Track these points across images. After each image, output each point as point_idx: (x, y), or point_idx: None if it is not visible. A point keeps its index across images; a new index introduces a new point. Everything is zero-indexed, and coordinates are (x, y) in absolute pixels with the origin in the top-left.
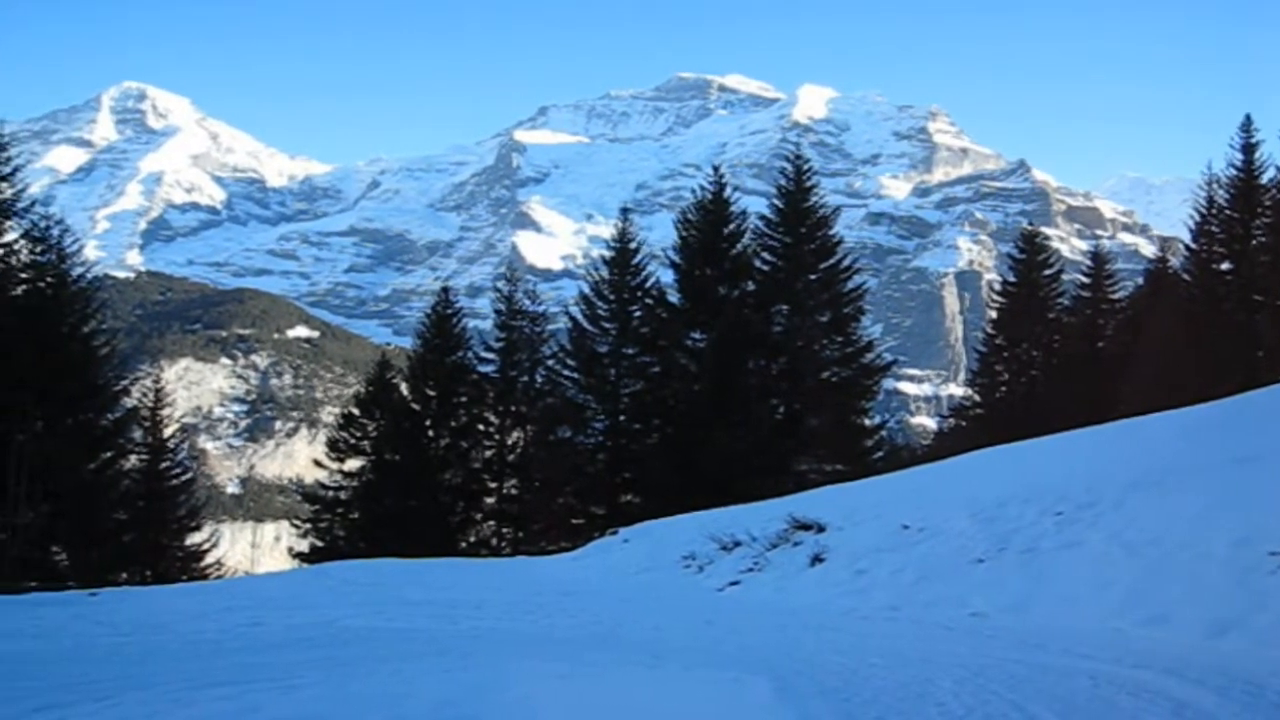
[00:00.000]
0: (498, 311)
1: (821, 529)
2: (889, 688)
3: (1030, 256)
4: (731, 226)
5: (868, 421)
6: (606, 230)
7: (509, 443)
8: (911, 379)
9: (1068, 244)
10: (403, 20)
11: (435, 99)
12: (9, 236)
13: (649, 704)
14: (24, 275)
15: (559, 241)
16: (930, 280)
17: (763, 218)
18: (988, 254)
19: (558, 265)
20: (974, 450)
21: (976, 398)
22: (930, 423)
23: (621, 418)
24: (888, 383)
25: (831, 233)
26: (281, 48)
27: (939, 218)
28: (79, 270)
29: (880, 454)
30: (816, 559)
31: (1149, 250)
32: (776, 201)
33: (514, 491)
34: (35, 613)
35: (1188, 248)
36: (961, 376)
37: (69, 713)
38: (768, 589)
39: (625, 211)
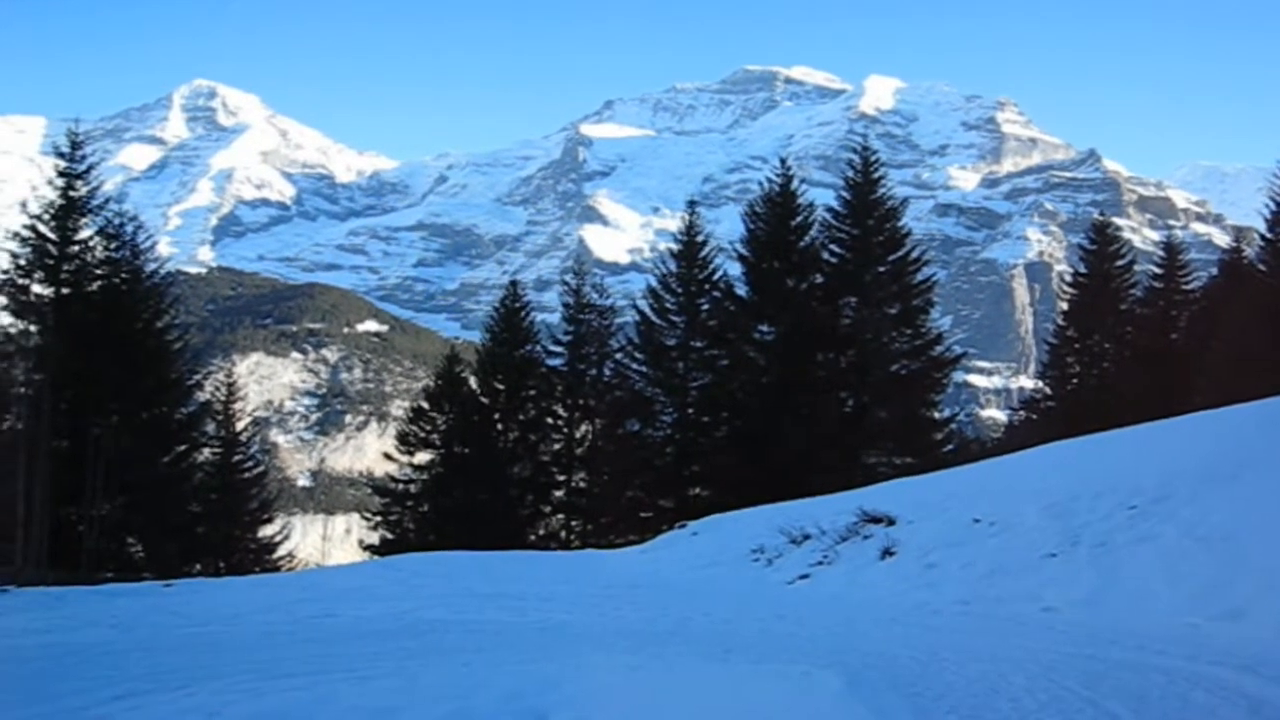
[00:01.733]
0: (565, 305)
1: (891, 522)
2: (960, 682)
3: (1101, 247)
4: (799, 219)
5: (937, 414)
6: (673, 224)
7: (577, 436)
8: (981, 372)
9: (1139, 234)
10: (470, 16)
11: (502, 94)
12: (84, 234)
13: (718, 697)
14: (99, 272)
15: (625, 235)
16: (999, 272)
17: (830, 210)
18: (1058, 245)
19: (624, 259)
20: (1045, 443)
21: (1047, 390)
22: (1000, 416)
23: (690, 411)
24: (957, 375)
25: (900, 224)
26: (349, 45)
27: (1008, 209)
28: (152, 266)
29: (950, 447)
30: (886, 552)
31: (1223, 240)
32: (844, 193)
33: (582, 484)
34: (112, 603)
35: (1263, 237)
36: (1032, 369)
37: (146, 701)
38: (837, 582)
39: (692, 204)
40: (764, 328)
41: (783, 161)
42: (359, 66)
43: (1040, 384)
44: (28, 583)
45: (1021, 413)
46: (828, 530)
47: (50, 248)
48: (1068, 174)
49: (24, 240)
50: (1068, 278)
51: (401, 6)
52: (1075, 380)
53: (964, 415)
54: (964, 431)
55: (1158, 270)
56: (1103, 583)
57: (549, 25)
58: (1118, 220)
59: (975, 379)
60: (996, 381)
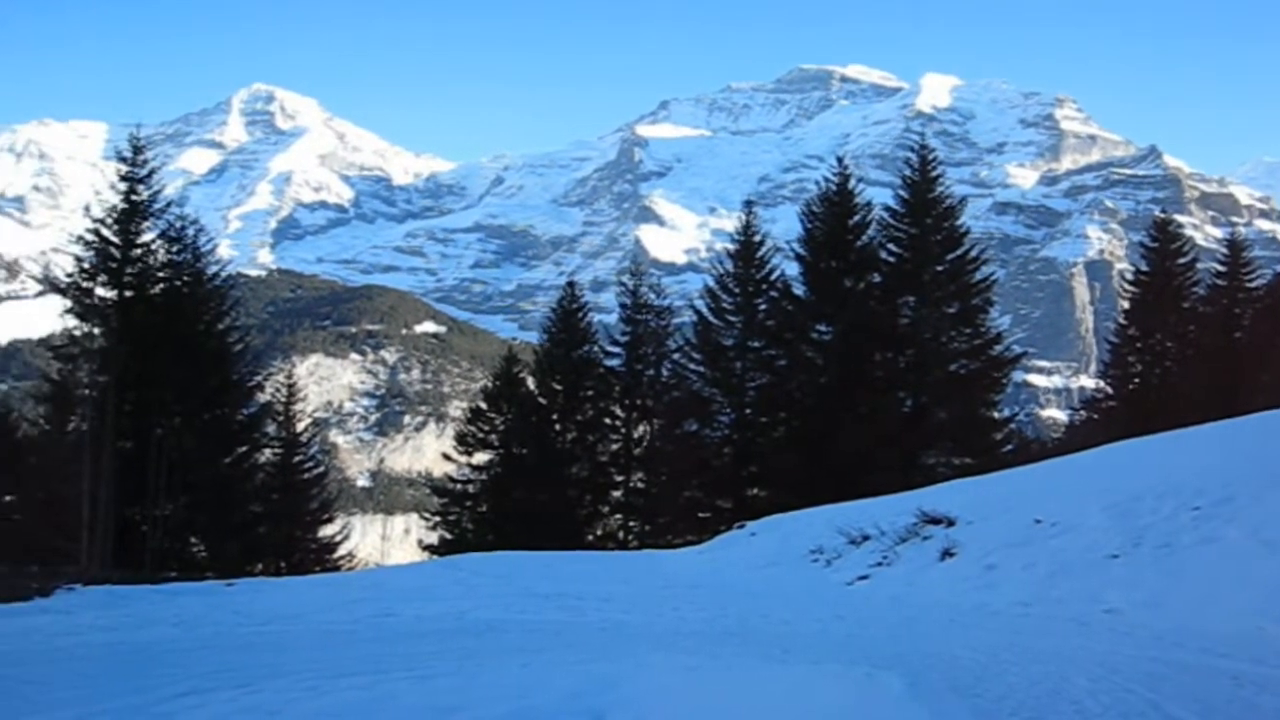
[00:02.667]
0: (623, 306)
1: (951, 523)
2: (1022, 684)
3: (1163, 245)
4: (856, 218)
5: (996, 414)
6: (729, 224)
7: (635, 436)
8: (1041, 371)
9: (1202, 232)
10: (524, 18)
11: (557, 95)
12: (147, 237)
13: (778, 698)
14: (162, 274)
15: (682, 235)
16: (1059, 270)
17: (888, 209)
18: (1118, 243)
19: (681, 259)
20: (1106, 444)
21: (1108, 390)
22: (1060, 415)
23: (748, 411)
24: (1016, 375)
25: (958, 223)
26: (406, 48)
27: (1067, 206)
28: (213, 269)
29: (1010, 447)
30: (946, 553)
31: None
32: (901, 192)
33: (640, 485)
34: (175, 602)
35: None
36: (1093, 368)
37: (209, 699)
38: (897, 583)
39: (749, 204)
40: (822, 327)
41: (839, 160)
42: (416, 69)
43: (1101, 383)
44: (93, 581)
45: (1082, 412)
46: (887, 531)
47: (113, 251)
48: (1128, 171)
49: (88, 244)
50: (1128, 276)
51: (458, 9)
52: (1137, 379)
53: (1024, 415)
54: (1024, 432)
55: (1220, 268)
56: (1166, 584)
57: (604, 26)
58: (1179, 217)
59: (1035, 379)
60: (1056, 381)
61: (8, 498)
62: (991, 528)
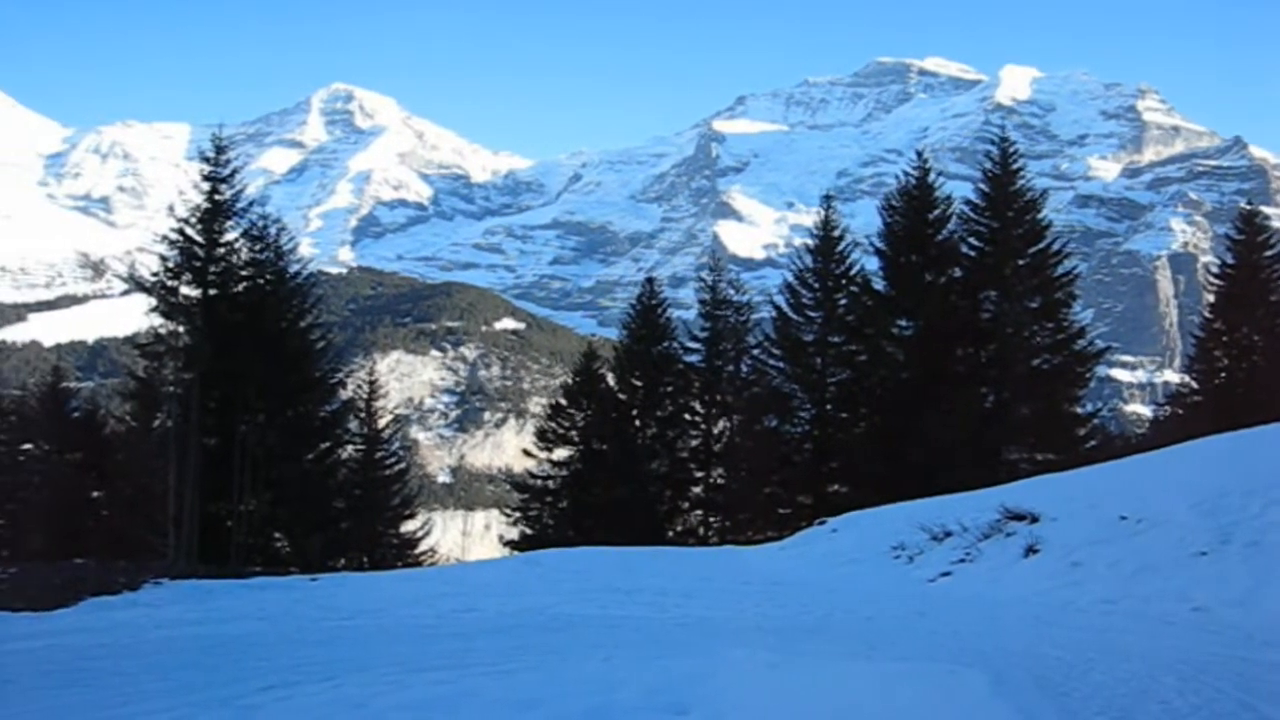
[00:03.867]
0: (702, 301)
1: (1035, 519)
2: (1109, 683)
3: (1249, 237)
4: (936, 212)
5: (1079, 410)
6: (808, 219)
7: (715, 432)
8: (1124, 366)
9: None
10: (602, 14)
11: (634, 91)
12: (230, 236)
13: (861, 695)
14: (245, 273)
15: (760, 230)
16: (1143, 264)
17: (968, 202)
18: (1203, 235)
19: (760, 254)
20: (1192, 439)
21: (1194, 385)
22: (1145, 411)
23: (828, 406)
24: (1100, 370)
25: (1039, 216)
26: (483, 47)
27: (1150, 199)
28: (295, 267)
29: (1093, 443)
30: (1030, 550)
31: None
32: (982, 185)
33: (720, 481)
34: (260, 596)
35: None
36: (1177, 363)
37: (294, 692)
38: (980, 580)
39: (828, 199)
40: (902, 322)
41: (919, 154)
42: (493, 67)
43: (1186, 378)
44: (179, 576)
45: (1167, 408)
46: (969, 527)
47: (197, 250)
48: (1212, 162)
49: (172, 243)
50: (1214, 269)
51: (534, 7)
52: (1223, 374)
53: (1107, 411)
54: (1107, 427)
55: None
56: (1256, 582)
57: (681, 22)
58: (1266, 209)
59: (1118, 373)
60: (1140, 376)
61: (96, 493)
62: (1075, 525)
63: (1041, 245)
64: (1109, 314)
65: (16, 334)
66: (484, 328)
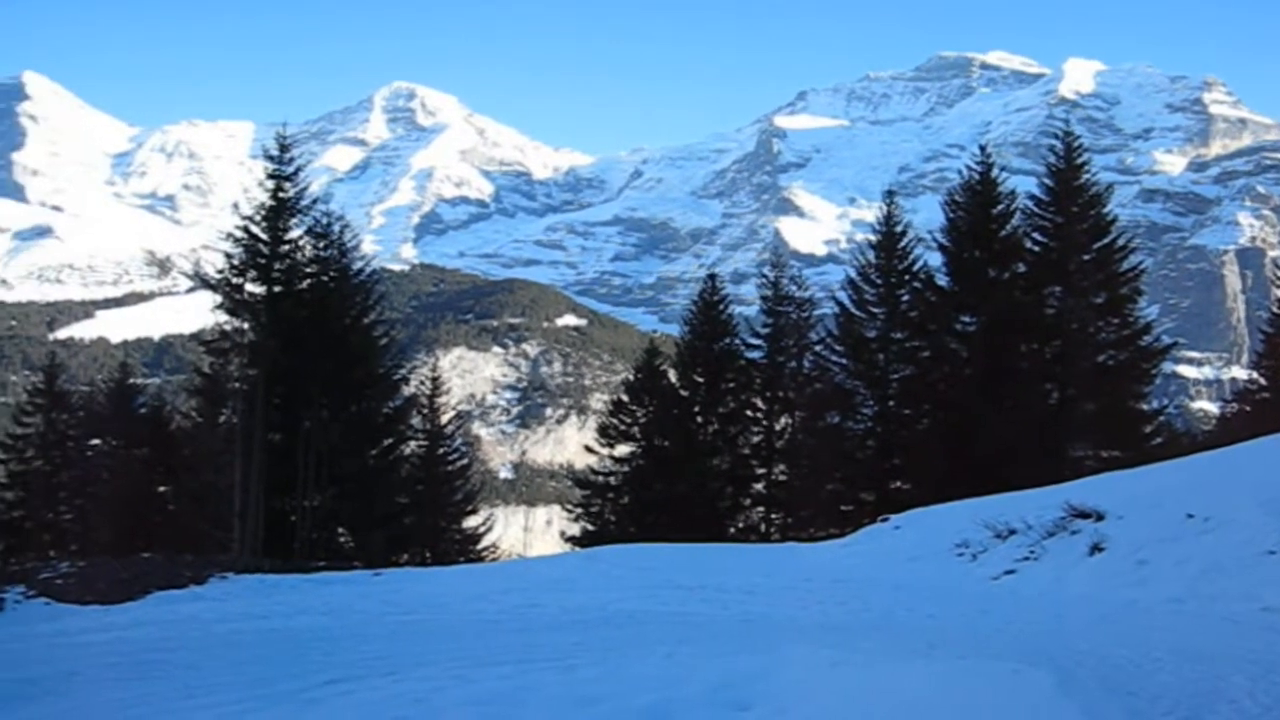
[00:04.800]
0: (764, 298)
1: (1100, 517)
2: (1176, 683)
3: None
4: (1000, 207)
5: (1145, 406)
6: (870, 214)
7: (777, 428)
8: (1191, 362)
9: None
10: (662, 11)
11: (695, 88)
12: (294, 233)
13: (924, 694)
14: (309, 270)
15: (822, 226)
16: (1209, 258)
17: (1032, 197)
18: (1271, 230)
19: (821, 250)
20: (1260, 436)
21: (1262, 381)
22: (1211, 407)
23: (891, 403)
24: (1166, 366)
25: (1104, 211)
26: (543, 44)
27: (1217, 193)
28: (358, 264)
29: (1159, 440)
30: (1095, 548)
31: None
32: (1046, 180)
33: (782, 477)
34: (324, 591)
35: None
36: (1245, 359)
37: (358, 685)
38: (1044, 579)
39: (890, 194)
40: (966, 318)
41: (982, 149)
42: (554, 65)
43: (1254, 374)
44: (245, 570)
45: (1234, 405)
46: (1033, 525)
47: (262, 247)
48: None
49: (237, 241)
50: None
51: (596, 4)
52: None
53: (1173, 407)
54: (1173, 424)
55: None
56: None
57: (741, 17)
58: None
59: (1185, 370)
60: (1207, 372)
61: (162, 488)
62: (1141, 523)
63: (1106, 240)
64: (1175, 309)
65: (85, 331)
66: (546, 324)
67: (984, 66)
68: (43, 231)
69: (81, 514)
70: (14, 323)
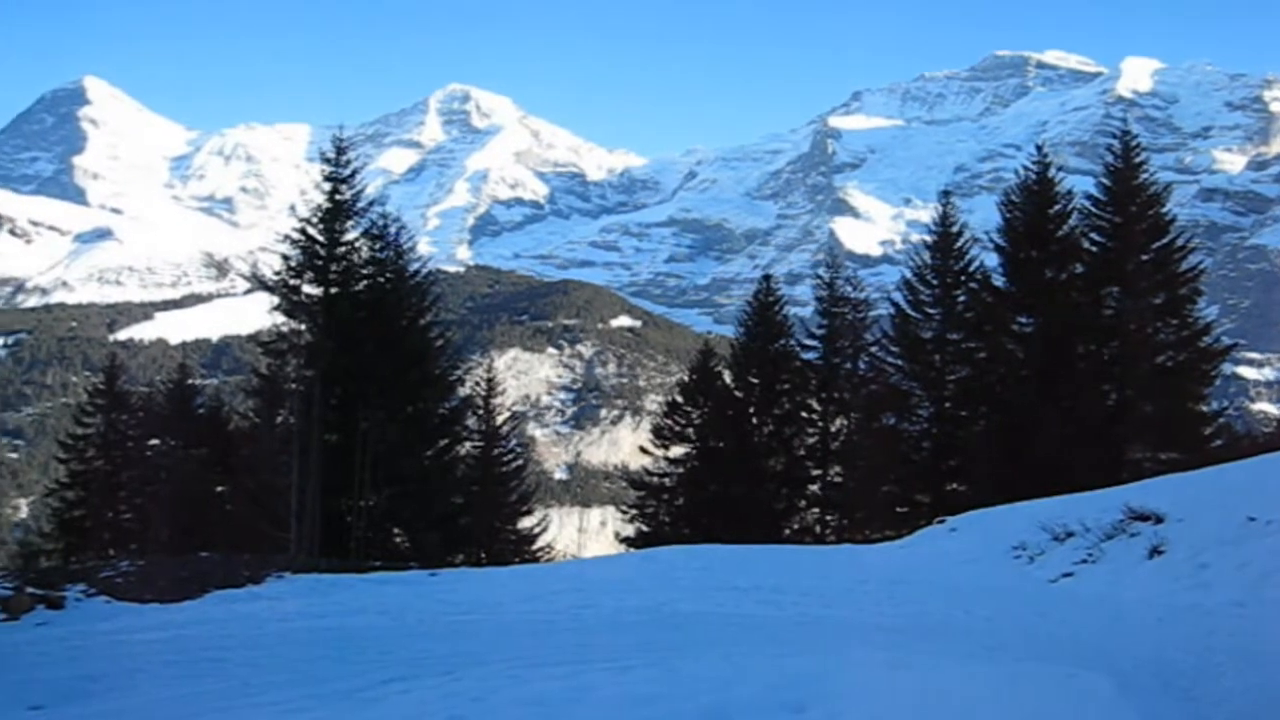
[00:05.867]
0: (819, 299)
1: (1159, 520)
2: (1240, 689)
3: None
4: (1057, 207)
5: (1205, 408)
6: (925, 215)
7: (832, 430)
8: (1251, 363)
9: None
10: (714, 12)
11: (749, 89)
12: (350, 235)
13: (982, 697)
14: (365, 271)
15: (877, 227)
16: (1270, 258)
17: (1089, 197)
18: None
19: (876, 251)
20: None
21: None
22: (1273, 409)
23: (947, 404)
24: (1226, 367)
25: (1163, 210)
26: (596, 46)
27: (1278, 192)
28: (414, 266)
29: (1219, 442)
30: (1155, 551)
31: None
32: (1103, 179)
33: (837, 479)
34: (381, 590)
35: None
36: None
37: (414, 685)
38: (1103, 581)
39: (945, 194)
40: (1023, 319)
41: (1039, 148)
42: (607, 66)
43: None
44: (301, 569)
45: None
46: (1092, 527)
47: (319, 249)
48: None
49: (294, 243)
50: None
51: (649, 6)
52: None
53: (1234, 409)
54: (1234, 426)
55: None
56: None
57: (794, 18)
58: None
59: (1245, 371)
60: (1268, 373)
61: (220, 488)
62: (1202, 525)
63: (1165, 240)
64: (1235, 310)
65: (144, 332)
66: (600, 325)
67: (1040, 65)
68: (103, 234)
69: (141, 513)
70: (75, 324)
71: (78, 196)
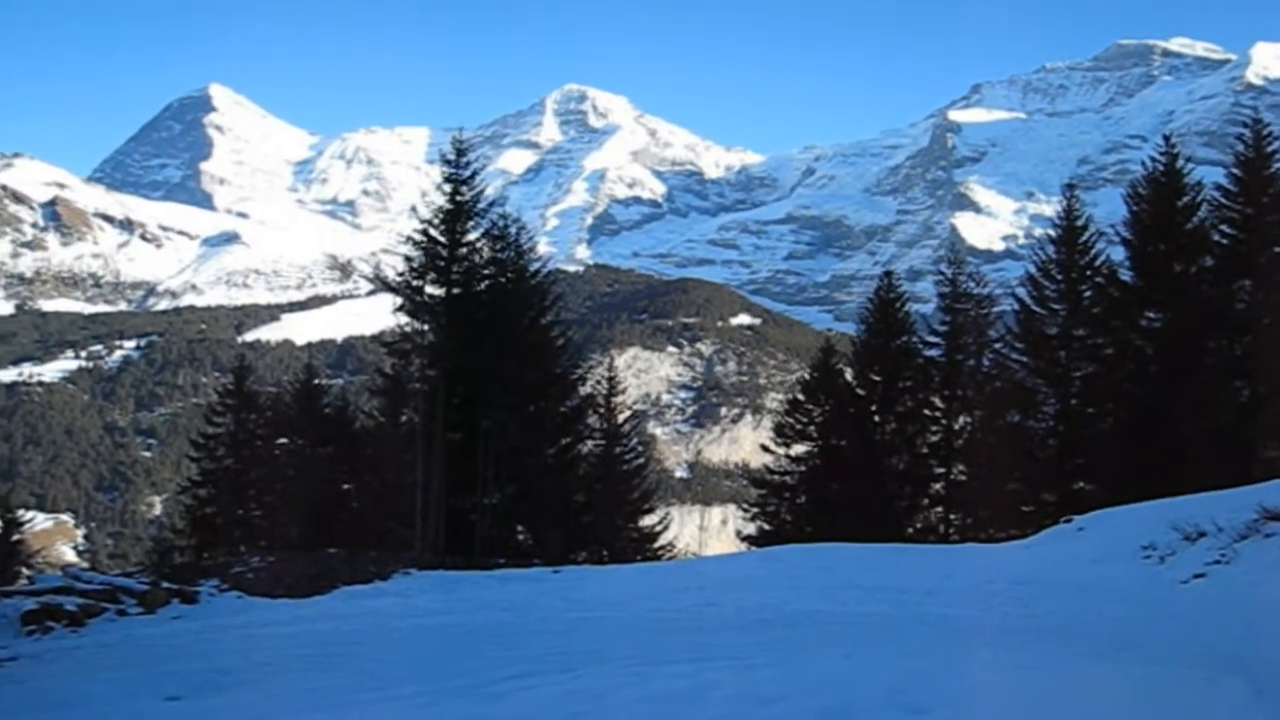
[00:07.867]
0: (941, 295)
1: None
2: None
3: None
4: (1185, 199)
5: None
6: (1048, 209)
7: (955, 427)
8: None
9: None
10: (830, 6)
11: (866, 84)
12: (472, 236)
13: (1110, 701)
14: (486, 272)
15: (999, 222)
16: None
17: (1219, 188)
18: None
19: (999, 246)
20: None
21: None
22: None
23: (1073, 401)
24: None
25: None
26: (713, 43)
27: None
28: (535, 266)
29: None
30: None
31: None
32: (1234, 170)
33: (961, 477)
34: (505, 588)
35: None
36: None
37: (538, 680)
38: (1236, 583)
39: (1069, 187)
40: (1151, 314)
41: (1166, 139)
42: (723, 64)
43: None
44: (427, 566)
45: None
46: (1224, 528)
47: (441, 250)
48: None
49: (416, 244)
50: None
51: (762, 2)
52: None
53: None
54: None
55: None
56: None
57: (911, 11)
58: None
59: None
60: None
61: (346, 486)
62: None
63: None
64: None
65: (271, 333)
66: (720, 323)
67: (1165, 54)
68: (230, 238)
69: (270, 511)
70: (204, 326)
71: (205, 201)
